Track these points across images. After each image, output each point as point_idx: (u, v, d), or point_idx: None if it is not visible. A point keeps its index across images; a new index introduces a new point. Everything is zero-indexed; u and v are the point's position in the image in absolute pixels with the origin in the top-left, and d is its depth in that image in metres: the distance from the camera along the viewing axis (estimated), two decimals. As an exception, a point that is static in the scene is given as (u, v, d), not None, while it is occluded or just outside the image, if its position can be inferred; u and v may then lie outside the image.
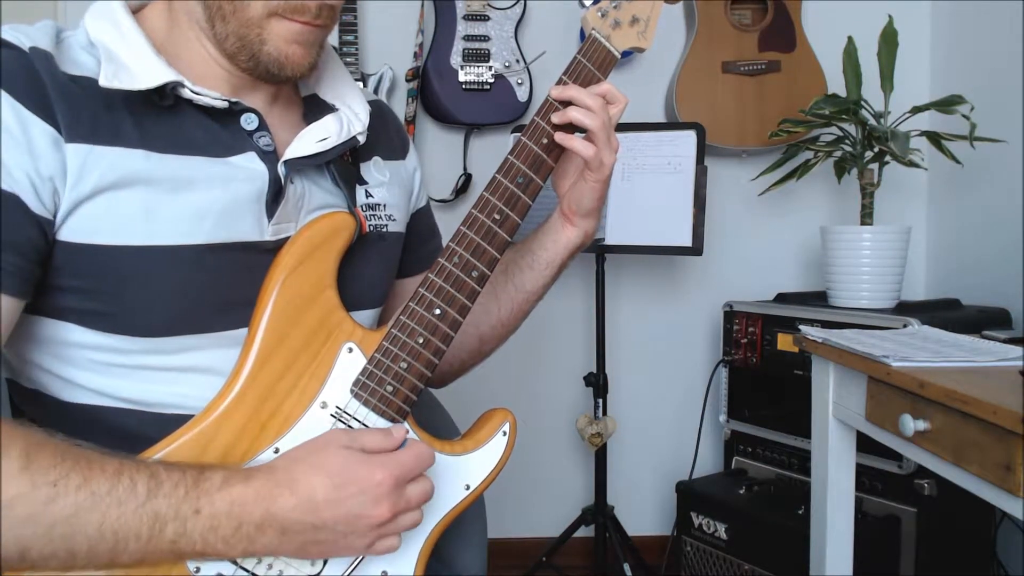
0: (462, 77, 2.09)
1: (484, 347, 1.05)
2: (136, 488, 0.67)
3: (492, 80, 2.09)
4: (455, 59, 2.09)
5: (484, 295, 1.00)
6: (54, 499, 0.64)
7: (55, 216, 0.72)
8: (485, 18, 2.10)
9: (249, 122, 0.80)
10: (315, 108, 0.88)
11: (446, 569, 0.99)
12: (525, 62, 2.11)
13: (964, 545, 1.80)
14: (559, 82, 0.90)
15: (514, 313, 1.02)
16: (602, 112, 0.88)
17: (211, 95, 0.77)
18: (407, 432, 0.78)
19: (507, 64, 2.10)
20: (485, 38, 2.10)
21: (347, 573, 0.78)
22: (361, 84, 1.99)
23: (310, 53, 0.80)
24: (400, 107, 2.13)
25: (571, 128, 0.89)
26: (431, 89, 2.11)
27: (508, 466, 0.86)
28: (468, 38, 2.10)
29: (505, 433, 0.87)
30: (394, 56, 2.13)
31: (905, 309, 1.79)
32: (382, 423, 0.81)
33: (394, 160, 0.97)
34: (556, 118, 0.88)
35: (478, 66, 2.09)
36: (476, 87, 2.10)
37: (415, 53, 2.13)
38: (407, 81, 2.13)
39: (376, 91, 2.08)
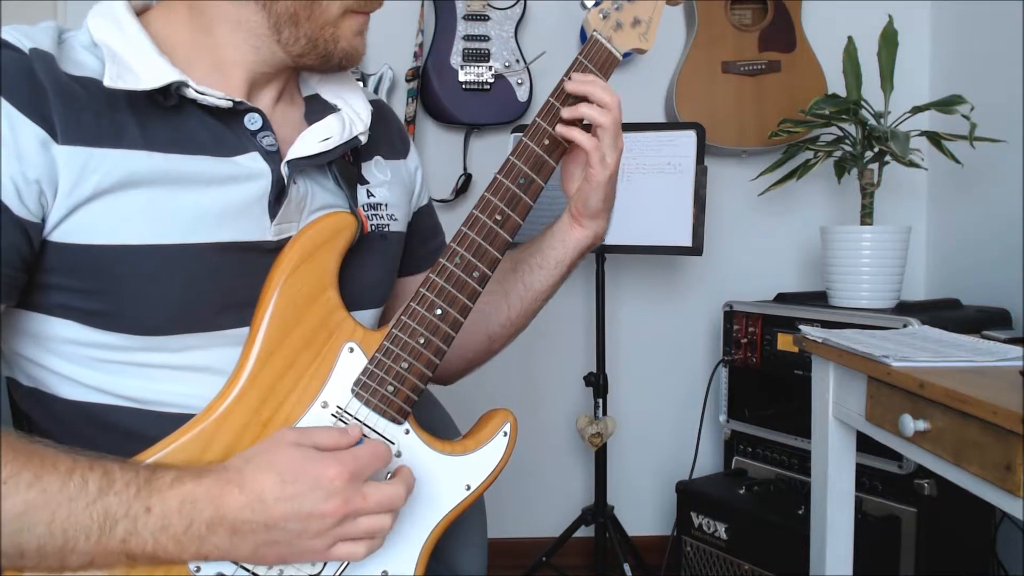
0: (462, 77, 2.09)
1: (493, 345, 1.05)
2: (87, 486, 0.66)
3: (492, 80, 2.09)
4: (455, 59, 2.09)
5: (494, 294, 1.01)
6: (4, 497, 0.64)
7: (44, 219, 0.71)
8: (485, 18, 2.10)
9: (253, 122, 0.80)
10: (317, 108, 0.89)
11: (446, 569, 0.99)
12: (525, 62, 2.11)
13: (964, 545, 1.80)
14: (561, 82, 0.90)
15: (523, 312, 1.02)
16: (616, 109, 0.89)
17: (215, 95, 0.77)
18: (362, 432, 0.77)
19: (507, 64, 2.10)
20: (485, 38, 2.10)
21: (348, 572, 0.78)
22: (361, 84, 1.99)
23: (365, 40, 0.85)
24: (400, 107, 2.13)
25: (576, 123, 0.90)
26: (431, 89, 2.11)
27: (508, 466, 0.86)
28: (468, 38, 2.10)
29: (506, 434, 0.87)
30: (394, 56, 2.13)
31: (905, 309, 1.79)
32: (383, 423, 0.81)
33: (395, 159, 0.98)
34: (567, 113, 0.88)
35: (478, 66, 2.09)
36: (476, 87, 2.10)
37: (415, 53, 2.13)
38: (407, 81, 2.13)
39: (376, 91, 2.08)
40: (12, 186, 0.69)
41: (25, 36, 0.73)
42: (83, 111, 0.72)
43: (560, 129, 0.88)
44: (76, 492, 0.65)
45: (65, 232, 0.72)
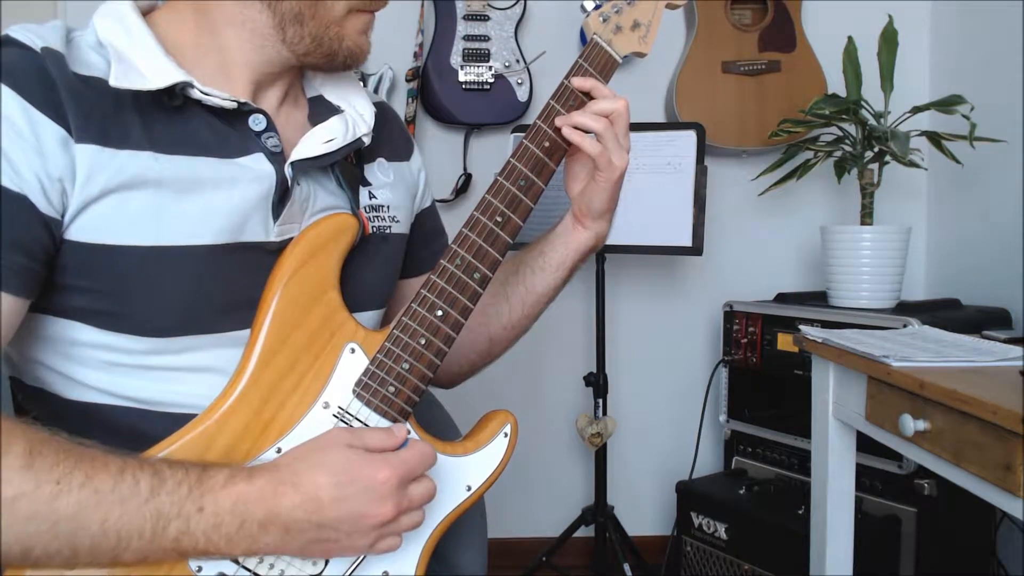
0: (462, 77, 2.09)
1: (494, 348, 1.06)
2: (139, 486, 0.67)
3: (492, 80, 2.10)
4: (455, 59, 2.09)
5: (495, 296, 1.01)
6: (57, 497, 0.64)
7: (63, 216, 0.72)
8: (485, 18, 2.10)
9: (257, 123, 0.80)
10: (321, 109, 0.89)
11: (446, 569, 0.99)
12: (525, 62, 2.11)
13: (964, 545, 1.80)
14: (561, 85, 0.90)
15: (525, 314, 1.02)
16: (624, 114, 0.89)
17: (220, 95, 0.77)
18: (408, 431, 0.78)
19: (507, 64, 2.10)
20: (485, 38, 2.10)
21: (348, 573, 0.78)
22: (361, 84, 1.99)
23: (370, 39, 0.85)
24: (400, 107, 2.13)
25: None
26: (431, 89, 2.11)
27: (508, 466, 0.87)
28: (468, 38, 2.10)
29: (506, 435, 0.87)
30: (394, 56, 2.13)
31: (905, 309, 1.79)
32: (384, 424, 0.81)
33: (398, 161, 0.98)
34: (560, 122, 0.88)
35: (478, 66, 2.09)
36: (476, 87, 2.10)
37: (415, 53, 2.13)
38: (407, 81, 2.14)
39: (376, 91, 2.08)
40: (38, 184, 0.70)
41: (36, 35, 0.74)
42: (92, 110, 0.73)
43: (566, 132, 0.88)
44: (129, 492, 0.66)
45: (76, 230, 0.72)
